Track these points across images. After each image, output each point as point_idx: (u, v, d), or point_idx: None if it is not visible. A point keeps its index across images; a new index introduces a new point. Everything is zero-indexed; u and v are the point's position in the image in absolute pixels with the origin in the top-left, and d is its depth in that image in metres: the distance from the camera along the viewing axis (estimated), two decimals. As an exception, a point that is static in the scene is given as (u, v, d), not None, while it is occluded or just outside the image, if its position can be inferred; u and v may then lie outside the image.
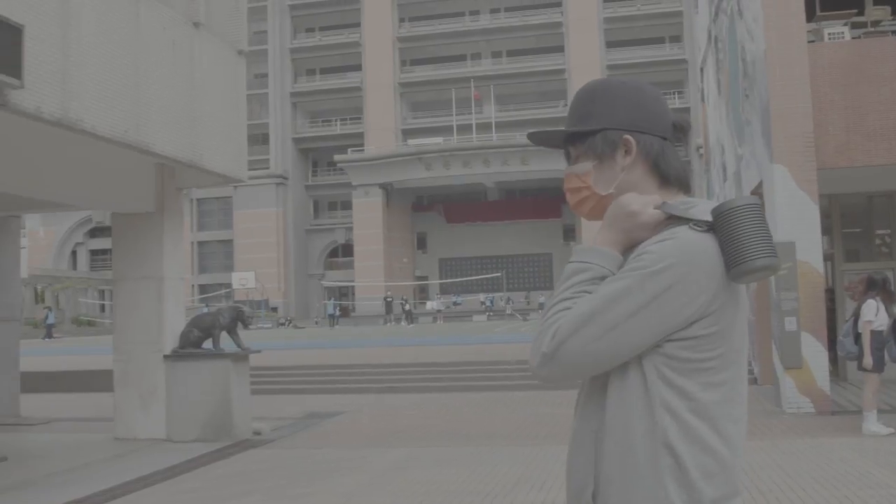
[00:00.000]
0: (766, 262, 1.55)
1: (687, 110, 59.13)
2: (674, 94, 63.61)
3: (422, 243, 69.25)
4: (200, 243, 69.76)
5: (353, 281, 63.00)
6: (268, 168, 66.93)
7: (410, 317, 48.54)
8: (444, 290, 64.36)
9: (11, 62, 6.94)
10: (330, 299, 54.56)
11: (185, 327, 11.29)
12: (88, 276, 60.93)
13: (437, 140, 63.38)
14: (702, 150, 30.36)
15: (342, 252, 69.82)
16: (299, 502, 7.52)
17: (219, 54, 11.41)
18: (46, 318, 42.21)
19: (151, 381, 11.10)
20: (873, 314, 9.60)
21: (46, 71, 7.65)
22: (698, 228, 1.59)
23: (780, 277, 11.53)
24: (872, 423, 9.67)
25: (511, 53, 68.25)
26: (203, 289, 66.67)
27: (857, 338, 9.74)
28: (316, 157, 72.14)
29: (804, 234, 11.50)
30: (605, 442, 1.63)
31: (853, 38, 13.95)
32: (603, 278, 1.63)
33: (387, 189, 63.46)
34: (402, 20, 69.16)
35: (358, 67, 68.60)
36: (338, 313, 51.36)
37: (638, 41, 65.57)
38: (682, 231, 1.59)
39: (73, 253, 71.99)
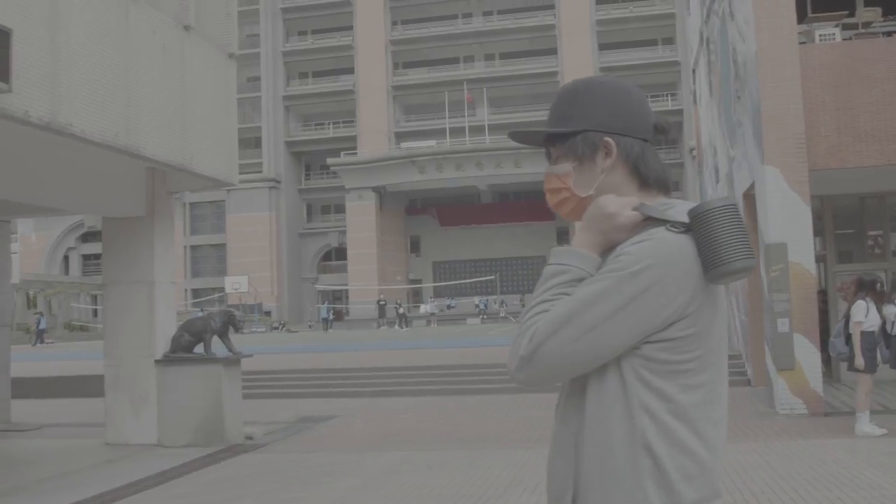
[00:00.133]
0: (744, 263, 1.55)
1: (680, 112, 59.28)
2: (667, 96, 63.70)
3: (415, 246, 69.21)
4: (193, 247, 69.63)
5: (346, 284, 62.93)
6: (261, 172, 66.85)
7: (404, 320, 48.49)
8: (438, 293, 64.33)
9: (-1, 66, 6.91)
10: (324, 303, 54.45)
11: (177, 332, 11.25)
12: (81, 280, 60.70)
13: (430, 143, 63.35)
14: (695, 152, 30.39)
15: (335, 255, 69.75)
16: (291, 507, 7.49)
17: (209, 57, 11.37)
18: (38, 323, 42.05)
19: (142, 385, 11.05)
20: (863, 315, 9.62)
21: (35, 75, 7.61)
22: (675, 230, 1.58)
23: (772, 279, 11.55)
24: (865, 424, 9.69)
25: (504, 56, 68.30)
26: (196, 293, 66.54)
27: (849, 339, 9.76)
28: (309, 160, 72.07)
29: (796, 236, 11.51)
30: (584, 444, 1.62)
31: (844, 39, 13.98)
32: (581, 280, 1.62)
33: (380, 192, 63.42)
34: (394, 23, 69.17)
35: (351, 70, 68.57)
36: (332, 317, 51.30)
37: (631, 43, 65.67)
38: (660, 232, 1.59)
39: (66, 258, 71.74)
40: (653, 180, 1.72)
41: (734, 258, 1.54)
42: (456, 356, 19.87)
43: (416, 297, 65.90)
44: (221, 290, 61.72)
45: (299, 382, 17.44)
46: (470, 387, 16.12)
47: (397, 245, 66.94)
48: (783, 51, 11.74)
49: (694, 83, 24.70)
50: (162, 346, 11.12)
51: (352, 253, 63.28)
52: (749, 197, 13.55)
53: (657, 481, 1.56)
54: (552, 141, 1.79)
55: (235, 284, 59.96)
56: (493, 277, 60.66)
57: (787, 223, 11.52)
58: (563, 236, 64.46)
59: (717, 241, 1.54)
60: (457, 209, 67.80)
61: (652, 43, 66.08)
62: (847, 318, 9.87)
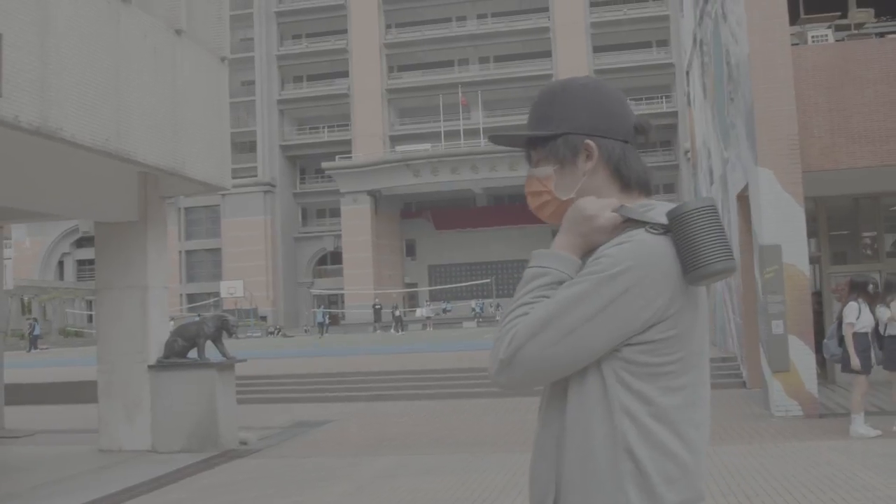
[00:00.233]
0: (724, 265, 1.53)
1: (674, 114, 59.38)
2: (661, 98, 63.82)
3: (411, 250, 69.20)
4: (188, 252, 69.52)
5: (342, 289, 62.89)
6: (255, 176, 66.78)
7: (400, 324, 48.46)
8: (434, 296, 64.31)
9: (-11, 71, 6.88)
10: (319, 307, 54.40)
11: (170, 337, 11.21)
12: (75, 286, 60.58)
13: (425, 146, 63.34)
14: (689, 154, 30.44)
15: (331, 260, 69.71)
16: (284, 512, 7.46)
17: (201, 61, 11.35)
18: (32, 329, 41.92)
19: (136, 391, 11.01)
20: (855, 316, 9.62)
21: (24, 79, 7.58)
22: (655, 231, 1.57)
23: (766, 281, 11.55)
24: (860, 426, 9.68)
25: (498, 59, 68.36)
26: (191, 298, 66.41)
27: (842, 340, 9.76)
28: (304, 164, 72.03)
29: (790, 237, 11.51)
30: (565, 448, 1.61)
31: (837, 40, 13.99)
32: (561, 283, 1.61)
33: (375, 196, 63.41)
34: (388, 26, 69.21)
35: (345, 74, 68.58)
36: (327, 321, 51.26)
37: (625, 45, 65.77)
38: (640, 234, 1.57)
39: (60, 263, 71.60)
40: (634, 182, 1.71)
41: (714, 260, 1.52)
42: (452, 360, 19.85)
43: (412, 300, 65.89)
44: (217, 294, 61.62)
45: (294, 387, 17.41)
46: (465, 390, 16.09)
47: (393, 249, 66.94)
48: (776, 52, 11.75)
49: (688, 85, 24.73)
50: (155, 352, 11.09)
51: (347, 257, 63.27)
52: (743, 198, 13.55)
53: (639, 484, 1.55)
54: (533, 144, 1.78)
55: (231, 289, 59.90)
56: (488, 281, 60.67)
57: (781, 225, 11.52)
58: (558, 239, 64.38)
59: (697, 243, 1.53)
60: (452, 212, 67.81)
61: (646, 45, 66.18)
62: (840, 319, 9.87)
